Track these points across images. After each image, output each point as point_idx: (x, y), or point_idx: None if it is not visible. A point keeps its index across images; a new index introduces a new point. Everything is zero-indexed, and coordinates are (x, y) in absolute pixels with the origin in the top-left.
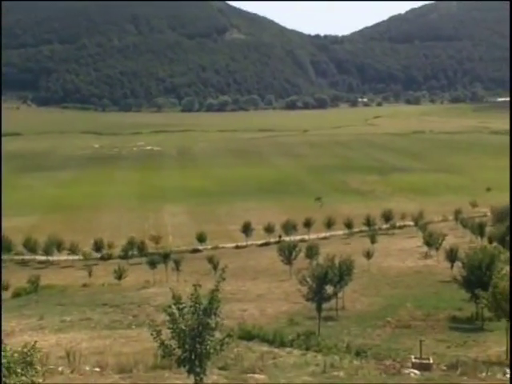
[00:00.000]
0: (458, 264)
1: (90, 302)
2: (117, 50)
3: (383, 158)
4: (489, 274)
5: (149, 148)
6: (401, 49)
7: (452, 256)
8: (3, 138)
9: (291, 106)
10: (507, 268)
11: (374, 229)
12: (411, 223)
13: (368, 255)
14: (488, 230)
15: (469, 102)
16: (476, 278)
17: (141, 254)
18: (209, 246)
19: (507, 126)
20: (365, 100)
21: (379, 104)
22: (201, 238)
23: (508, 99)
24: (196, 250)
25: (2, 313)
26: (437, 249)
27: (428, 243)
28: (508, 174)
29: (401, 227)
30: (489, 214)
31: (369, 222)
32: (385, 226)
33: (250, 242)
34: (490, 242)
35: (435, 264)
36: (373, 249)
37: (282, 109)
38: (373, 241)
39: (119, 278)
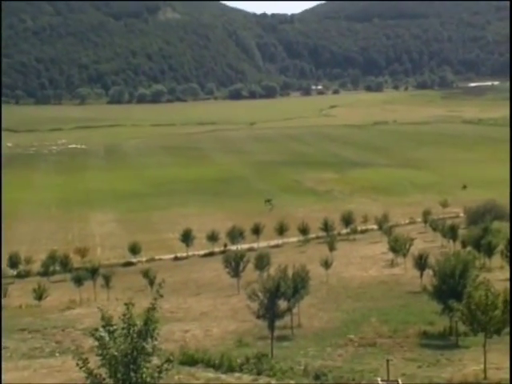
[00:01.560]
0: (428, 272)
1: (4, 328)
2: (31, 33)
3: (341, 153)
4: (463, 282)
5: (72, 146)
6: (359, 28)
7: (421, 263)
8: None
9: (235, 96)
10: (483, 275)
11: (333, 234)
12: (374, 227)
13: (326, 264)
14: (461, 232)
15: (437, 88)
16: (449, 288)
17: (64, 269)
18: (143, 259)
19: (481, 115)
20: (319, 87)
21: (336, 92)
22: (134, 250)
23: (481, 84)
24: (129, 264)
25: None
26: (404, 255)
27: (394, 249)
28: (482, 169)
29: (363, 232)
30: (462, 214)
31: (326, 227)
32: (345, 231)
33: (190, 253)
34: (464, 246)
35: (402, 273)
36: (331, 257)
37: (224, 99)
38: (331, 248)
39: (39, 298)
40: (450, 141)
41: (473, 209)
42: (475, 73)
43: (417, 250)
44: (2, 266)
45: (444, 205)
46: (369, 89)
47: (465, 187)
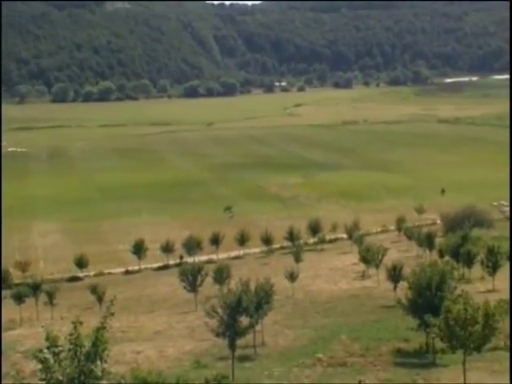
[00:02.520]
0: (402, 285)
1: None
2: None
3: (308, 155)
4: (440, 295)
5: (11, 150)
6: (326, 19)
7: (395, 275)
8: None
9: (191, 94)
10: (462, 287)
11: (299, 244)
12: (344, 236)
13: (292, 277)
14: (438, 241)
15: (410, 84)
16: (425, 302)
17: (3, 285)
18: (91, 273)
19: (458, 113)
20: (283, 84)
21: (301, 89)
22: (81, 263)
23: (458, 79)
24: (75, 278)
25: None
26: (376, 266)
27: (365, 260)
28: (460, 171)
29: (331, 241)
30: (439, 221)
31: (292, 236)
32: (312, 241)
33: (143, 266)
34: (441, 255)
35: (375, 285)
36: (298, 269)
37: (179, 97)
38: (297, 259)
39: None
40: (426, 141)
41: (450, 215)
42: (451, 67)
43: (390, 260)
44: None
45: (420, 211)
46: (337, 85)
47: (443, 192)
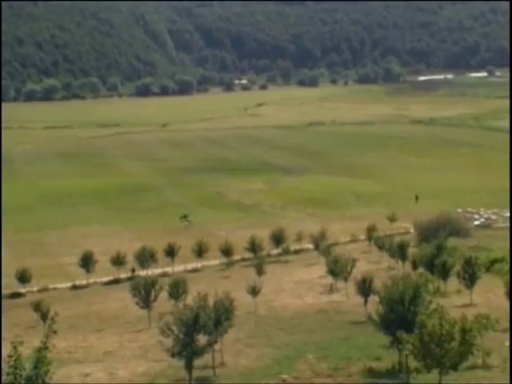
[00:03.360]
0: (373, 299)
1: None
2: None
3: (271, 159)
4: (414, 310)
5: None
6: (290, 12)
7: (365, 288)
8: None
9: (144, 92)
10: (437, 301)
11: (261, 256)
12: (310, 246)
13: (254, 291)
14: (411, 251)
15: (381, 82)
16: (397, 317)
17: None
18: (35, 288)
19: (433, 113)
20: (244, 82)
21: (263, 87)
22: (23, 277)
23: (432, 77)
24: (16, 295)
25: None
26: (345, 279)
27: (333, 272)
28: (435, 176)
29: (297, 252)
30: (412, 230)
31: (254, 247)
32: (275, 252)
33: (92, 280)
34: (415, 267)
35: (344, 300)
36: (260, 282)
37: (131, 96)
38: (260, 272)
39: None
40: (398, 144)
41: (424, 223)
42: (425, 64)
43: (360, 272)
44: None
45: (391, 219)
46: (302, 83)
47: (417, 198)
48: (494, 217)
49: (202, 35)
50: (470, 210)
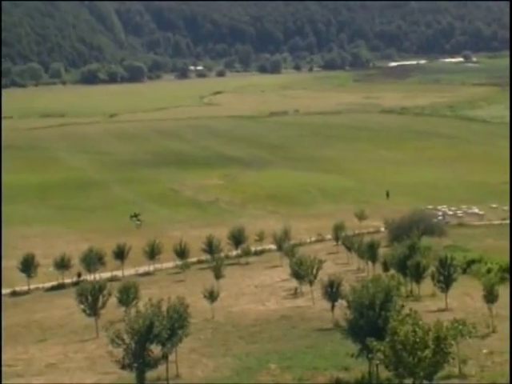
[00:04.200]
0: (341, 303)
1: None
2: None
3: (229, 152)
4: (385, 315)
5: None
6: None
7: (332, 292)
8: None
9: (90, 79)
10: (410, 306)
11: (219, 257)
12: (273, 247)
13: (211, 296)
14: (382, 252)
15: (349, 68)
16: (367, 323)
17: None
18: None
19: (404, 102)
20: (199, 68)
21: (220, 74)
22: None
23: (403, 63)
24: None
25: None
26: (310, 283)
27: (298, 275)
28: (407, 171)
29: (258, 253)
30: (383, 229)
31: (211, 248)
32: (235, 253)
33: (33, 286)
34: (386, 269)
35: (309, 305)
36: (218, 287)
37: (75, 83)
38: (218, 275)
39: None
40: (367, 136)
41: (396, 222)
42: (396, 49)
43: (327, 275)
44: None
45: (361, 217)
46: (263, 70)
47: (388, 195)
48: (468, 214)
49: (154, 16)
50: (437, 207)
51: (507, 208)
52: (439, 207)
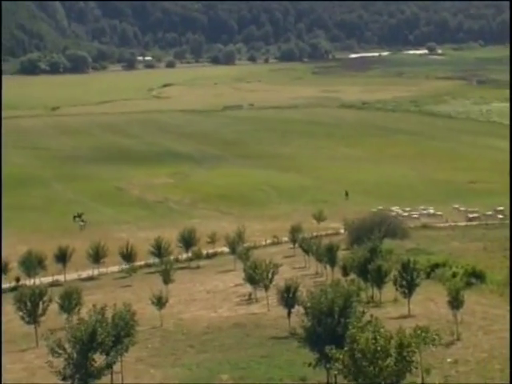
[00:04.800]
0: (298, 310)
1: None
2: None
3: (179, 148)
4: (344, 322)
5: None
6: None
7: (289, 298)
8: None
9: (30, 70)
10: (371, 312)
11: (169, 261)
12: (225, 250)
13: (160, 302)
14: (342, 255)
15: (307, 60)
16: (325, 331)
17: None
18: None
19: (365, 96)
20: (148, 59)
21: (170, 65)
22: None
23: (365, 54)
24: None
25: None
26: (266, 288)
27: (252, 280)
28: (368, 169)
29: (210, 256)
30: (342, 231)
31: (159, 251)
32: (185, 256)
33: None
34: (345, 273)
35: (264, 311)
36: (167, 292)
37: (13, 73)
38: (167, 280)
39: None
40: (326, 131)
41: (356, 223)
42: (357, 40)
43: (283, 279)
44: None
45: (319, 218)
46: (216, 61)
47: (347, 194)
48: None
49: (99, 3)
50: (390, 208)
51: (472, 209)
52: (393, 208)
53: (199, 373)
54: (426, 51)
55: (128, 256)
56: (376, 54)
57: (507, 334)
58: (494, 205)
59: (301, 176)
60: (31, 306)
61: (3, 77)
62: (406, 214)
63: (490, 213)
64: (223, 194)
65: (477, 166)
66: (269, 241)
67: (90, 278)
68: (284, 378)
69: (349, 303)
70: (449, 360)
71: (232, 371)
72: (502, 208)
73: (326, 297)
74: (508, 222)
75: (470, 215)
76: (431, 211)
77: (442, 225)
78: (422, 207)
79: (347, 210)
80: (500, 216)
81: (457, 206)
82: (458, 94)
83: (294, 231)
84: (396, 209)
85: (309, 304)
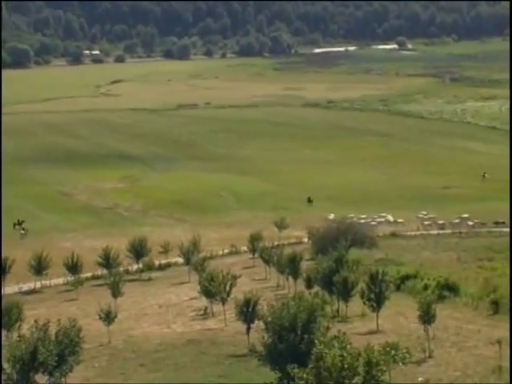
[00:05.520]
0: (257, 325)
1: None
2: None
3: (129, 150)
4: (308, 338)
5: None
6: None
7: (248, 313)
8: None
9: None
10: (337, 327)
11: (118, 272)
12: (180, 260)
13: (108, 318)
14: (305, 266)
15: (268, 55)
16: (288, 347)
17: None
18: None
19: (331, 94)
20: (95, 53)
21: (120, 59)
22: None
23: (330, 49)
24: None
25: None
26: (223, 302)
27: (208, 293)
28: (333, 173)
29: (162, 267)
30: (306, 239)
31: (108, 262)
32: (136, 267)
33: None
34: (309, 285)
35: (221, 327)
36: (116, 306)
37: None
38: (116, 293)
39: None
40: (288, 132)
41: (321, 231)
42: (322, 34)
43: (242, 292)
44: None
45: (281, 226)
46: (169, 55)
47: (310, 201)
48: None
49: None
50: (346, 216)
51: (429, 216)
52: (349, 215)
53: None
54: (395, 46)
55: (73, 267)
56: (342, 49)
57: (482, 351)
58: (464, 212)
59: (261, 180)
60: None
61: None
62: (362, 221)
63: (456, 221)
64: (177, 200)
65: (450, 170)
66: (226, 250)
67: (32, 291)
68: None
69: (313, 318)
70: (420, 379)
71: None
72: (467, 215)
73: (288, 311)
74: (478, 230)
75: (426, 222)
76: (390, 218)
77: (412, 233)
78: (383, 214)
79: (311, 217)
80: (470, 223)
81: (425, 212)
82: (430, 93)
83: (254, 240)
84: (351, 216)
85: (269, 319)
